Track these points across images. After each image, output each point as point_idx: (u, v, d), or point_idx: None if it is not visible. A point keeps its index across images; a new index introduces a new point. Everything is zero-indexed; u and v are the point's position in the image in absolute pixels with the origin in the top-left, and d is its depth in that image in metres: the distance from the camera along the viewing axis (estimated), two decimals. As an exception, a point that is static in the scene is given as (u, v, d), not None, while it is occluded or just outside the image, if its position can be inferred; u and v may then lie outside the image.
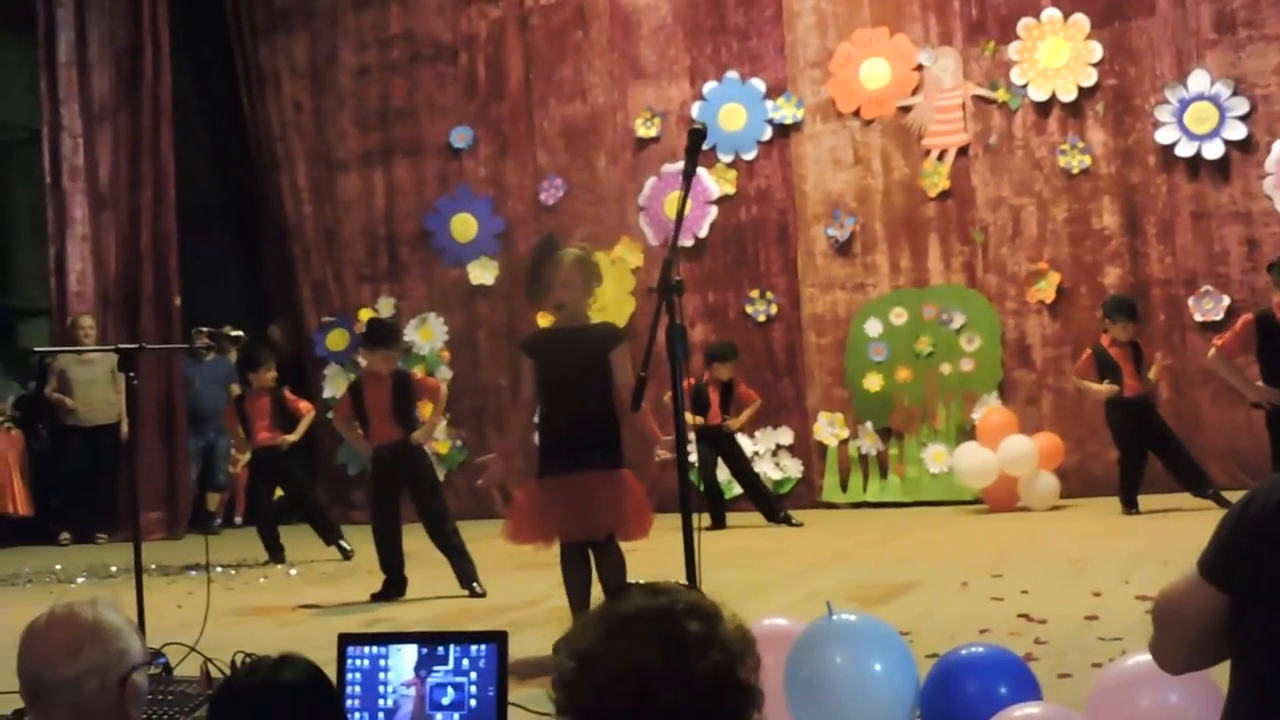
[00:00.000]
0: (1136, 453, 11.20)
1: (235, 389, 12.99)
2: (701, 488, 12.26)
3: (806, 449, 13.57)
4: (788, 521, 12.12)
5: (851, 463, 13.40)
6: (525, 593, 8.41)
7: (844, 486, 13.40)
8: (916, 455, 13.15)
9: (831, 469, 13.45)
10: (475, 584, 8.85)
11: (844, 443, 13.43)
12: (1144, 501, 11.10)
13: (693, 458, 12.06)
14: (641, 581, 2.31)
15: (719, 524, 12.15)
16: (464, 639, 3.82)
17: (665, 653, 2.16)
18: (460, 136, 14.87)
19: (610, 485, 6.60)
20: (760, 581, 8.55)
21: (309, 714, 2.93)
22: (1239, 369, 9.25)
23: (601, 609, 2.28)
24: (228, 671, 4.30)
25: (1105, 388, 11.23)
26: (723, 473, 12.45)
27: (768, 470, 13.39)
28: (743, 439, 12.82)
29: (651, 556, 6.43)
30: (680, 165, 12.11)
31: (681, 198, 4.93)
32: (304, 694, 2.94)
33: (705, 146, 13.20)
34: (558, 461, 6.61)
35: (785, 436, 13.56)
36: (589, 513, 6.57)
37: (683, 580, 4.83)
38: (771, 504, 12.43)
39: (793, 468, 13.53)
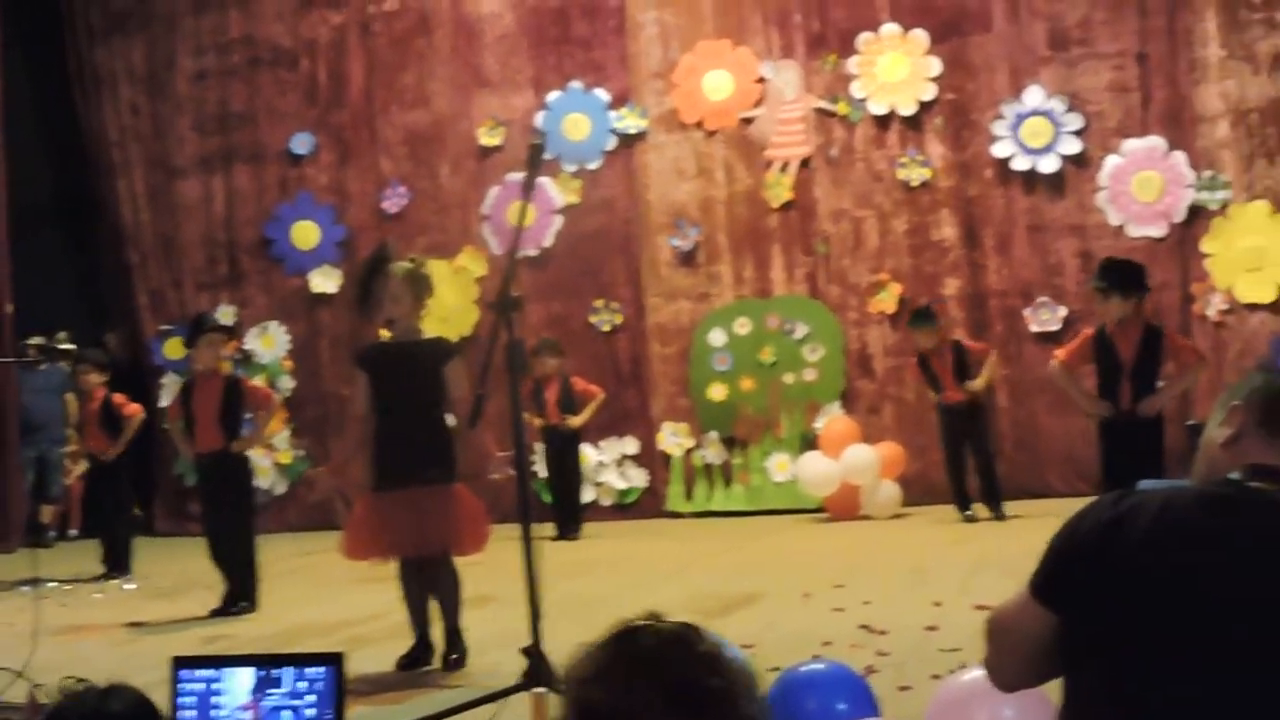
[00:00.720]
0: (954, 457, 11.45)
1: (71, 399, 12.70)
2: (548, 499, 12.24)
3: (651, 458, 13.57)
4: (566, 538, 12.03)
5: (696, 472, 13.43)
6: (367, 608, 8.30)
7: (689, 496, 13.43)
8: (760, 464, 13.23)
9: (676, 478, 13.47)
10: (246, 602, 8.70)
11: (689, 452, 13.45)
12: (982, 508, 11.31)
13: (538, 467, 12.12)
14: (648, 620, 2.01)
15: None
16: (300, 661, 3.75)
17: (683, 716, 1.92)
18: (301, 143, 14.64)
19: (442, 500, 6.56)
20: (603, 594, 8.52)
21: (137, 746, 2.87)
22: (1077, 380, 9.43)
23: (610, 653, 1.99)
24: (56, 697, 4.19)
25: (932, 395, 11.50)
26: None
27: (612, 480, 13.40)
28: (588, 449, 12.80)
29: (492, 569, 6.41)
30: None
31: (520, 212, 4.92)
32: (132, 725, 2.87)
33: (549, 156, 13.41)
34: (390, 476, 6.55)
35: (630, 446, 13.55)
36: (421, 528, 6.52)
37: (524, 589, 4.81)
38: (571, 521, 12.23)
39: (638, 477, 13.53)
